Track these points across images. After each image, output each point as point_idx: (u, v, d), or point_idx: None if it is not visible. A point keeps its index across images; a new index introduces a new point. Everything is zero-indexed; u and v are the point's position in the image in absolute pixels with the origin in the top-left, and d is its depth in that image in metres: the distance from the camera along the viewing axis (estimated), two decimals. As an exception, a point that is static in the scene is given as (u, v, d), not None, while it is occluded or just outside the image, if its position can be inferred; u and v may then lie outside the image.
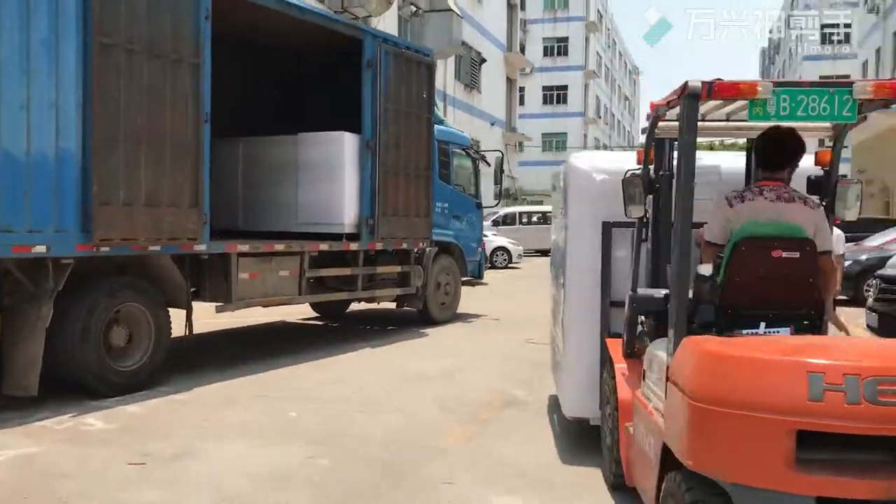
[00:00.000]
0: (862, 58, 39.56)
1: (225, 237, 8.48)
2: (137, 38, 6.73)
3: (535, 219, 30.50)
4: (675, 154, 4.09)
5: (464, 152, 12.58)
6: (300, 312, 12.11)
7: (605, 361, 5.01)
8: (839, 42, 57.74)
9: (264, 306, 9.01)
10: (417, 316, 11.69)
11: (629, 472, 4.31)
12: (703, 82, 3.42)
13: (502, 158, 12.78)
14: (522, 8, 44.60)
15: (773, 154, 3.99)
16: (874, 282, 9.29)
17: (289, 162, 9.97)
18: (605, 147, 69.87)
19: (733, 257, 3.80)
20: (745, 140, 5.00)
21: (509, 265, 23.30)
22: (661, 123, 4.43)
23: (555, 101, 59.69)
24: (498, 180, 12.84)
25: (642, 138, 4.85)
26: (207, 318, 8.86)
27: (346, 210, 9.64)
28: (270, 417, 6.37)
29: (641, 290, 4.59)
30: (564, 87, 59.75)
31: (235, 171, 10.30)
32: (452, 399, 7.02)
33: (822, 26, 59.30)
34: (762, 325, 3.74)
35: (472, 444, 5.70)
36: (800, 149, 3.98)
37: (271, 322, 11.67)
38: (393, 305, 11.57)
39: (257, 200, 10.21)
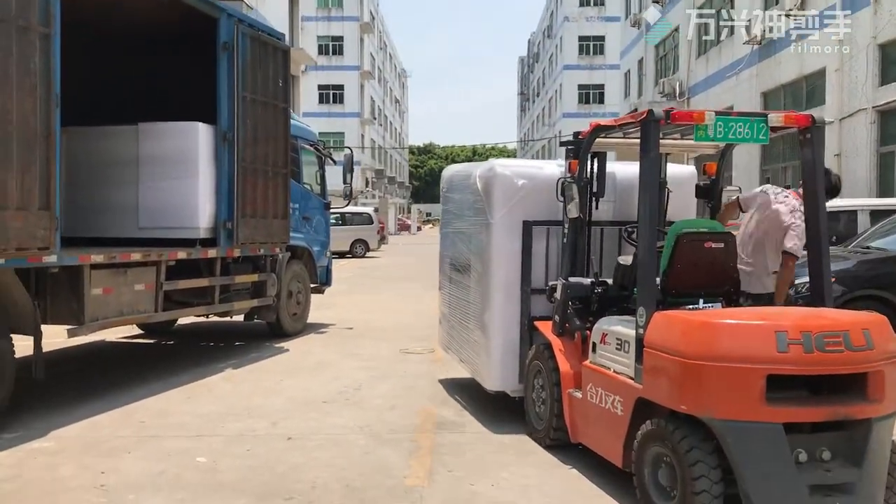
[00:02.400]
0: (624, 68, 42.45)
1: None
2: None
3: (332, 220, 29.63)
4: (596, 165, 5.68)
5: (312, 148, 11.59)
6: (119, 330, 10.39)
7: (534, 342, 5.82)
8: (596, 53, 62.46)
9: (119, 326, 7.60)
10: (266, 329, 10.60)
11: (575, 430, 5.17)
12: (664, 110, 4.38)
13: (352, 156, 11.93)
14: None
15: None
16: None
17: (127, 157, 8.55)
18: (381, 148, 70.20)
19: (676, 249, 4.69)
20: None
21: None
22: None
23: (331, 101, 58.84)
24: (347, 179, 11.96)
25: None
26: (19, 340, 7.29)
27: (202, 212, 8.42)
28: (178, 465, 5.22)
29: (573, 279, 5.42)
30: (341, 87, 59.10)
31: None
32: (377, 425, 6.21)
33: (580, 38, 63.77)
34: (700, 301, 4.71)
35: (441, 480, 4.97)
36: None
37: (91, 343, 10.01)
38: (225, 318, 10.32)
39: (86, 202, 8.64)
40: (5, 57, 5.62)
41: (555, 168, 6.12)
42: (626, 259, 5.43)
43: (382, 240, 33.31)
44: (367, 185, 62.25)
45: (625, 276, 5.23)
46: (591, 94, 60.88)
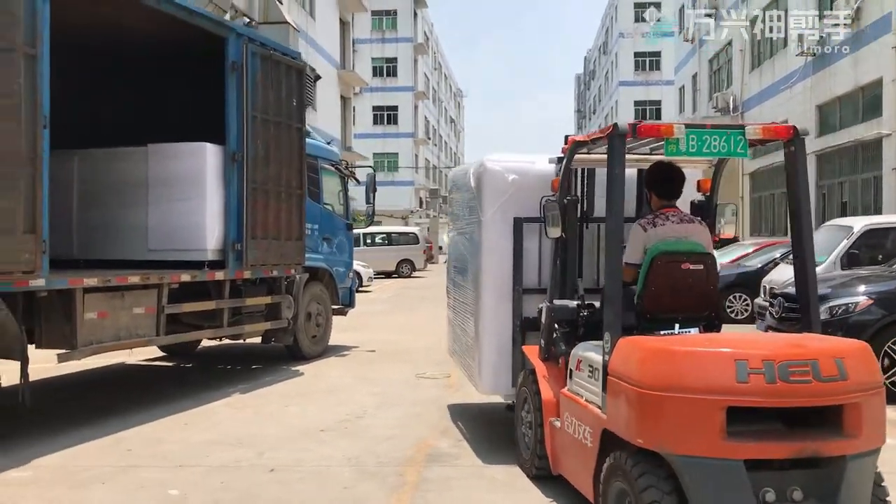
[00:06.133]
0: (679, 83, 41.66)
1: (60, 269, 6.94)
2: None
3: (378, 240, 29.60)
4: (584, 181, 5.60)
5: (333, 168, 11.44)
6: (141, 352, 10.38)
7: (524, 368, 5.51)
8: (652, 69, 61.63)
9: (116, 350, 7.47)
10: (285, 351, 10.42)
11: (556, 461, 4.89)
12: (629, 124, 4.14)
13: (374, 176, 11.74)
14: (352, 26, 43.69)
15: (669, 187, 4.82)
16: (776, 300, 9.05)
17: (137, 178, 8.49)
18: (435, 168, 70.30)
19: (650, 270, 4.45)
20: None
21: (360, 288, 22.18)
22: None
23: (386, 122, 59.15)
24: (370, 199, 11.78)
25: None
26: (33, 363, 7.16)
27: (209, 233, 8.29)
28: (147, 498, 5.02)
29: (557, 301, 5.14)
30: (395, 108, 59.37)
31: (69, 189, 8.64)
32: (366, 457, 5.91)
33: (635, 54, 63.05)
34: (676, 326, 4.40)
35: (416, 519, 4.66)
36: (683, 179, 4.86)
37: (109, 365, 9.98)
38: (254, 340, 10.18)
39: (97, 224, 8.62)
40: (-14, 79, 5.55)
41: (547, 163, 5.82)
42: None
43: (429, 259, 33.12)
44: (421, 205, 62.33)
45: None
46: (648, 110, 59.91)
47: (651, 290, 4.43)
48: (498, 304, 5.93)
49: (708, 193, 5.22)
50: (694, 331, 4.41)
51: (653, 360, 3.65)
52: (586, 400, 4.35)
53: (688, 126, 4.11)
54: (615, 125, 4.15)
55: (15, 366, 6.16)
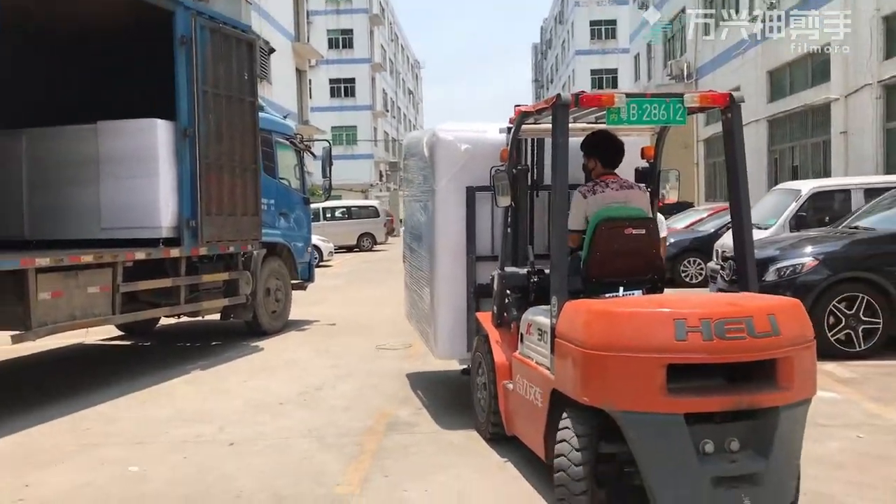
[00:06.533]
0: (634, 51, 41.87)
1: (11, 250, 6.88)
2: None
3: (338, 214, 29.50)
4: (534, 150, 5.76)
5: (288, 142, 11.38)
6: (99, 332, 10.29)
7: (478, 334, 5.65)
8: (608, 38, 61.71)
9: (72, 330, 7.41)
10: (245, 327, 10.41)
11: (510, 423, 5.04)
12: (572, 95, 4.24)
13: (330, 149, 11.69)
14: (306, -2, 43.08)
15: (610, 154, 4.97)
16: (727, 264, 9.25)
17: (88, 156, 8.38)
18: (394, 140, 69.96)
19: (595, 236, 4.59)
20: None
21: (321, 263, 22.17)
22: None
23: (343, 94, 58.63)
24: (326, 173, 11.75)
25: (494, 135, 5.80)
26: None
27: (163, 210, 8.23)
28: (107, 476, 5.03)
29: (508, 269, 5.22)
30: (352, 80, 58.84)
31: (17, 169, 8.55)
32: (326, 428, 5.98)
33: (591, 23, 63.00)
34: (620, 289, 4.58)
35: (374, 486, 4.73)
36: (622, 147, 5.01)
37: (67, 345, 9.90)
38: (214, 317, 10.17)
39: (48, 204, 8.52)
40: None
41: (497, 132, 5.88)
42: None
43: (390, 232, 33.10)
44: (381, 178, 62.09)
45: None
46: (605, 79, 60.10)
47: (596, 255, 4.55)
48: (452, 271, 6.04)
49: (652, 160, 5.32)
50: (637, 293, 4.57)
51: (596, 322, 3.78)
52: (536, 362, 4.49)
53: (628, 95, 4.20)
54: (559, 95, 4.24)
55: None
